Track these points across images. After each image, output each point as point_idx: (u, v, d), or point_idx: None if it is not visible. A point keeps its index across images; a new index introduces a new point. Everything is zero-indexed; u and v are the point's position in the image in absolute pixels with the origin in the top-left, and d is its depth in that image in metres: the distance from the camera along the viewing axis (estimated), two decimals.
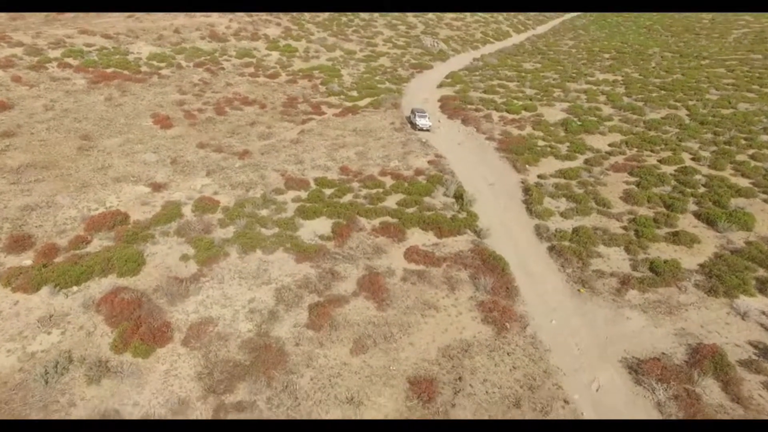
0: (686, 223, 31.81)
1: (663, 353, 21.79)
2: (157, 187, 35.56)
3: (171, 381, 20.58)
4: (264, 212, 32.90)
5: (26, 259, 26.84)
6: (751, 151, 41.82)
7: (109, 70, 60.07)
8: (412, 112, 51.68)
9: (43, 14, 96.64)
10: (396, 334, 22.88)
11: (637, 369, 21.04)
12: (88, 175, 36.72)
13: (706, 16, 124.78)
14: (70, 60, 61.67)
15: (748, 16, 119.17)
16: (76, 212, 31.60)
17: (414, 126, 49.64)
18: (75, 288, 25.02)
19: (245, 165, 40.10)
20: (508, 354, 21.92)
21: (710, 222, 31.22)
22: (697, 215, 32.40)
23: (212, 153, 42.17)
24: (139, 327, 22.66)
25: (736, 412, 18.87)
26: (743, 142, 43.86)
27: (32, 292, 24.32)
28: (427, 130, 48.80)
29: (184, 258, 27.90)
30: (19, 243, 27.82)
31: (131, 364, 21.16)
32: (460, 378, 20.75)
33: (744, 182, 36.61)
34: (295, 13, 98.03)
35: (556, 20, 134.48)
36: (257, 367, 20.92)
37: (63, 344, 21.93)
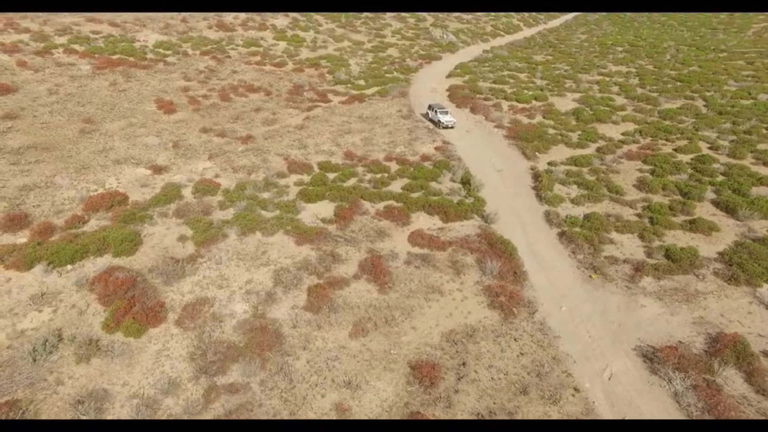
0: (704, 211, 30.41)
1: (680, 342, 20.58)
2: (157, 170, 34.88)
3: (162, 361, 19.81)
4: (265, 195, 32.07)
5: (21, 238, 26.23)
6: None
7: (114, 57, 59.66)
8: (431, 108, 47.25)
9: None
10: (398, 317, 21.90)
11: (653, 357, 19.86)
12: (88, 157, 36.15)
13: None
14: (76, 46, 61.38)
15: None
16: (75, 193, 30.97)
17: (437, 124, 45.36)
18: (69, 267, 24.35)
19: (248, 149, 39.30)
20: (515, 340, 20.84)
21: (729, 210, 29.80)
22: (716, 203, 30.98)
23: (215, 137, 41.44)
24: (132, 306, 21.94)
25: (762, 405, 17.64)
26: (765, 131, 42.16)
27: (25, 269, 23.67)
28: (452, 128, 44.69)
29: (182, 239, 27.14)
30: (15, 222, 27.21)
31: (122, 343, 20.43)
32: (464, 363, 19.72)
33: (766, 171, 35.04)
34: None
35: (568, 15, 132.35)
36: (252, 349, 20.06)
37: (54, 322, 21.25)
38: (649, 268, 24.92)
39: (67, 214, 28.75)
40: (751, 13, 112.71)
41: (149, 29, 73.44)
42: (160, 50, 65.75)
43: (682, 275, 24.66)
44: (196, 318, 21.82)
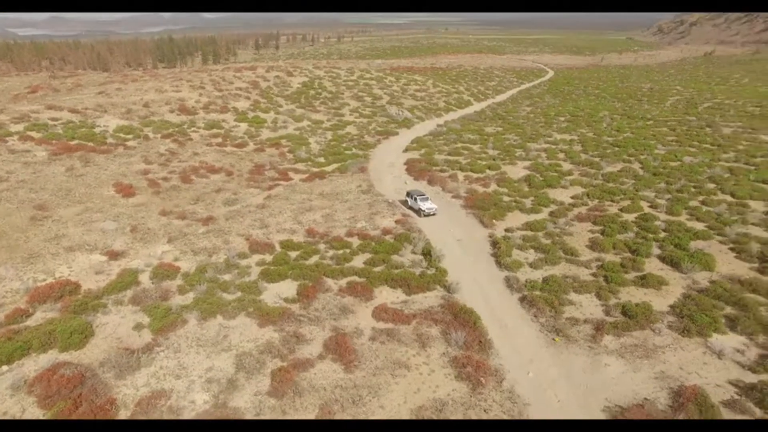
0: (652, 266, 32.12)
1: (645, 399, 20.87)
2: (114, 255, 33.92)
3: None
4: (226, 277, 31.52)
5: None
6: (701, 198, 43.97)
7: (73, 143, 59.52)
8: (409, 195, 45.01)
9: (11, 93, 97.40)
10: (365, 397, 21.27)
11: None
12: (38, 245, 34.86)
13: (645, 85, 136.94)
14: (32, 133, 61.05)
15: (679, 86, 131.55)
16: (20, 284, 29.50)
17: (418, 212, 42.81)
18: (5, 368, 22.63)
19: (209, 231, 39.04)
20: (485, 411, 20.52)
21: (674, 264, 31.65)
22: (662, 258, 32.89)
23: (175, 220, 41.06)
24: (78, 406, 20.41)
25: None
26: (693, 190, 46.14)
27: None
28: (434, 215, 42.53)
29: (138, 327, 25.99)
30: None
31: None
32: None
33: (699, 225, 37.85)
34: (264, 87, 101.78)
35: (513, 90, 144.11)
36: None
37: None
38: (608, 327, 25.67)
39: (9, 307, 27.16)
40: (666, 89, 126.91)
41: (110, 114, 74.35)
42: (121, 135, 66.26)
43: (639, 331, 25.51)
44: (151, 413, 20.43)
